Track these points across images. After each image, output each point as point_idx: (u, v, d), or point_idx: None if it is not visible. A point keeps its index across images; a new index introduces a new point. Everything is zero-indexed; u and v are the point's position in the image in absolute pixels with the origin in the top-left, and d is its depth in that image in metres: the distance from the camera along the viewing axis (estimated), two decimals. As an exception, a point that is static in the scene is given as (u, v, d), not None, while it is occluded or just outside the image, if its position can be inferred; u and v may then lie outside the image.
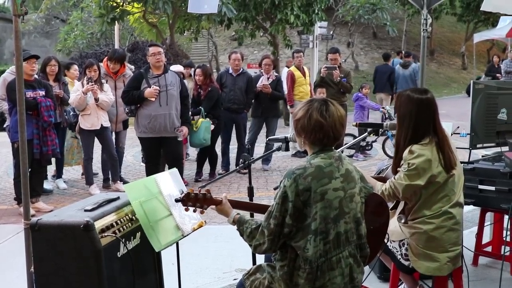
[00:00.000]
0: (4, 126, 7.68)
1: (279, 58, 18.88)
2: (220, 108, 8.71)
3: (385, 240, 3.47)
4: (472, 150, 4.71)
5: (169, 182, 3.51)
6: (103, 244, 3.02)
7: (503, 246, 4.65)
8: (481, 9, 6.05)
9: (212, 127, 8.35)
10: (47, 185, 7.99)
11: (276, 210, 2.71)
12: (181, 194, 3.06)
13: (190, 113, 8.17)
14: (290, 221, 2.68)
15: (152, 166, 7.23)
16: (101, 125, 7.73)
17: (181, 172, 7.09)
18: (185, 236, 3.42)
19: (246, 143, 9.23)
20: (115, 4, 15.12)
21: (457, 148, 3.62)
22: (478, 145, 4.74)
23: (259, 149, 9.88)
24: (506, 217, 4.52)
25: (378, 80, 13.94)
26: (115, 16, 15.02)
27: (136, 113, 7.20)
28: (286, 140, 3.79)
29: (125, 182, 7.87)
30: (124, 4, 15.31)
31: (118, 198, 3.45)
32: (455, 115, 12.49)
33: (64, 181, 8.50)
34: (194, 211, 3.10)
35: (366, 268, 3.01)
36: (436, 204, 3.42)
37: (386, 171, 3.95)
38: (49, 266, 3.05)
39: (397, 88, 13.19)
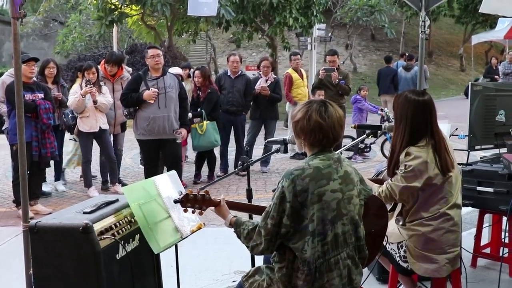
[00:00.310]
0: (3, 128, 7.67)
1: (277, 60, 18.90)
2: (218, 110, 8.72)
3: (384, 242, 3.48)
4: (470, 152, 4.71)
5: (167, 184, 3.51)
6: (102, 247, 3.02)
7: (501, 248, 4.65)
8: (479, 11, 6.06)
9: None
10: (45, 187, 7.98)
11: (274, 210, 2.71)
12: (179, 195, 3.07)
13: (190, 115, 8.20)
14: (287, 221, 2.68)
15: (151, 168, 7.23)
16: (100, 127, 7.73)
17: (179, 174, 7.09)
18: (184, 238, 3.42)
19: (244, 145, 9.22)
20: (113, 7, 15.14)
21: (455, 149, 3.62)
22: (477, 147, 4.75)
23: (257, 151, 9.87)
24: (504, 218, 4.53)
25: (382, 82, 14.02)
26: (114, 18, 15.04)
27: (135, 115, 7.20)
28: (284, 142, 3.79)
29: (123, 185, 7.87)
30: (123, 7, 15.33)
31: (117, 200, 3.45)
32: (453, 117, 12.48)
33: (63, 184, 8.50)
34: (193, 212, 3.10)
35: (365, 270, 3.01)
36: (433, 206, 3.42)
37: (384, 173, 3.96)
38: (48, 269, 3.05)
39: (399, 91, 13.22)
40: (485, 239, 5.05)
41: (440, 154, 3.43)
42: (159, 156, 7.38)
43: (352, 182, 2.85)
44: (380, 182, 3.70)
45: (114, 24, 15.45)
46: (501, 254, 4.50)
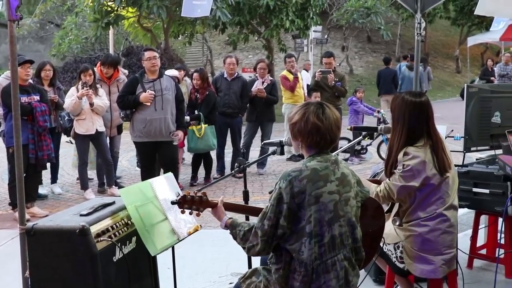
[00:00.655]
0: (-1, 131, 7.65)
1: (273, 62, 18.91)
2: (216, 113, 8.72)
3: (381, 244, 3.49)
4: (466, 153, 4.72)
5: (164, 186, 3.51)
6: (99, 249, 3.03)
7: (497, 249, 4.66)
8: (474, 13, 6.07)
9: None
10: (42, 190, 7.97)
11: (271, 211, 2.72)
12: (177, 197, 3.07)
13: (189, 118, 8.21)
14: (284, 222, 2.69)
15: (148, 171, 7.23)
16: (96, 130, 7.71)
17: (176, 177, 7.08)
18: (181, 240, 3.42)
19: (241, 147, 9.23)
20: (109, 9, 15.14)
21: (451, 151, 3.64)
22: (472, 148, 4.76)
23: (254, 153, 9.87)
24: (500, 219, 4.54)
25: (382, 83, 14.22)
26: (110, 20, 15.03)
27: (132, 117, 7.21)
28: (281, 144, 3.80)
29: (120, 187, 7.87)
30: (119, 9, 15.33)
31: (113, 202, 3.45)
32: (449, 118, 12.51)
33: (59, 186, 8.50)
34: (190, 213, 3.10)
35: (362, 272, 3.02)
36: (430, 207, 3.44)
37: (381, 174, 3.97)
38: (45, 271, 3.04)
39: (401, 90, 13.43)
40: (481, 240, 5.07)
41: (438, 154, 3.45)
42: (155, 158, 7.38)
43: (349, 184, 2.86)
44: (377, 182, 3.72)
45: (110, 26, 15.42)
46: (497, 255, 4.52)
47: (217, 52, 27.42)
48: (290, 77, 10.28)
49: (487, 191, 4.30)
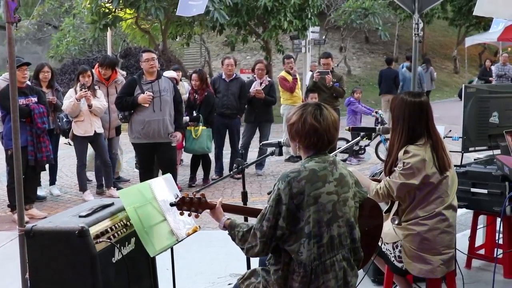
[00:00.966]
0: (-3, 133, 7.64)
1: (271, 63, 18.90)
2: (214, 114, 8.73)
3: (379, 243, 3.49)
4: (464, 154, 4.73)
5: (163, 187, 3.52)
6: (98, 250, 3.03)
7: (495, 249, 4.67)
8: (473, 14, 6.08)
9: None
10: (40, 191, 7.96)
11: (270, 213, 2.72)
12: (176, 198, 3.07)
13: (188, 119, 8.22)
14: (283, 223, 2.69)
15: (146, 172, 7.22)
16: (95, 131, 7.71)
17: (174, 178, 7.06)
18: (180, 241, 3.43)
19: (239, 148, 9.24)
20: (107, 11, 15.11)
21: (449, 151, 3.65)
22: (470, 149, 4.77)
23: (252, 154, 9.88)
24: (498, 219, 4.55)
25: (384, 83, 14.37)
26: (108, 22, 15.00)
27: (130, 119, 7.21)
28: (279, 145, 3.80)
29: (118, 188, 7.87)
30: (117, 11, 15.30)
31: (112, 204, 3.46)
32: (447, 119, 12.54)
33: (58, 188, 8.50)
34: (189, 215, 3.11)
35: (360, 272, 3.03)
36: (429, 206, 3.45)
37: (379, 174, 3.98)
38: (44, 273, 3.05)
39: (403, 90, 13.48)
40: (479, 240, 5.07)
41: (438, 153, 3.47)
42: (154, 159, 7.38)
43: (348, 185, 2.87)
44: (378, 181, 3.73)
45: (108, 28, 15.41)
46: (495, 255, 4.52)
47: (215, 53, 27.40)
48: (289, 78, 10.30)
49: (485, 191, 4.30)
